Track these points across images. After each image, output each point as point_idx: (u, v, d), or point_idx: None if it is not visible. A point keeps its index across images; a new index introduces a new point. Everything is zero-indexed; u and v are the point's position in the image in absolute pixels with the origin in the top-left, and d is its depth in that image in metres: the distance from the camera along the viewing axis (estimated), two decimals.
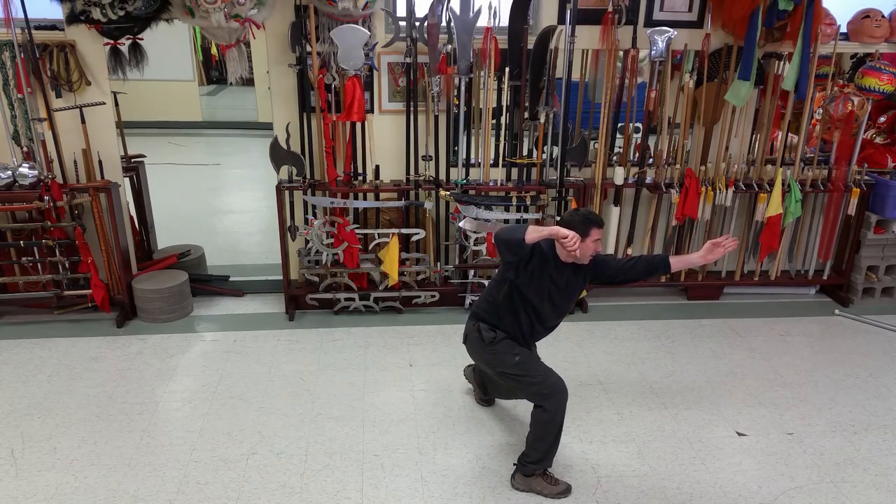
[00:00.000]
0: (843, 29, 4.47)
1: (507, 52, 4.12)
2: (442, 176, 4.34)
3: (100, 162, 4.23)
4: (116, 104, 4.40)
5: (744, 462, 3.18)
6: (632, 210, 4.59)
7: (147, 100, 9.41)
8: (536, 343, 3.16)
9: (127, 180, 4.59)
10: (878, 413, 3.58)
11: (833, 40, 4.31)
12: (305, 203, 4.29)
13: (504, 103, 4.32)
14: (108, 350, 4.02)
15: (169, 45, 8.89)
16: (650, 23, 4.25)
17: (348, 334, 4.25)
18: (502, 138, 4.35)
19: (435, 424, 3.39)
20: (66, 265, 4.18)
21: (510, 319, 2.96)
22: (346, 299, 4.47)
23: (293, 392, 3.64)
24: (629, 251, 4.68)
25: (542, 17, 4.22)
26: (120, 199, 4.29)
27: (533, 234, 2.65)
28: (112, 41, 4.04)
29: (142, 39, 4.08)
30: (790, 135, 4.65)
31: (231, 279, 4.88)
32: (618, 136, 4.54)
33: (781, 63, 4.39)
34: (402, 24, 4.01)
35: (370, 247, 4.36)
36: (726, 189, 4.46)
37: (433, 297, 4.55)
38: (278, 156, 4.15)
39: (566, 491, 2.94)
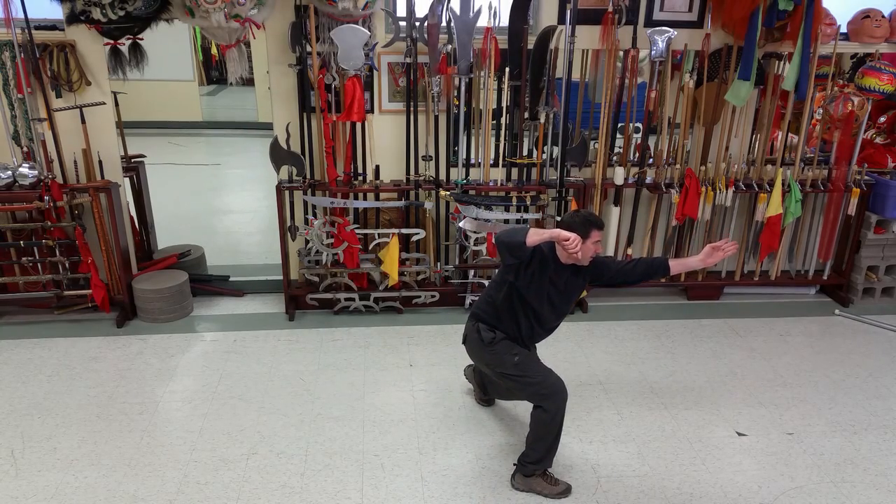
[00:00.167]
0: (843, 29, 4.47)
1: (507, 52, 4.12)
2: (442, 176, 4.34)
3: (100, 162, 4.23)
4: (116, 104, 4.40)
5: (744, 462, 3.18)
6: (632, 210, 4.59)
7: (147, 100, 9.41)
8: (536, 344, 3.16)
9: (127, 180, 4.59)
10: (878, 413, 3.58)
11: (833, 40, 4.31)
12: (305, 203, 4.29)
13: (504, 104, 4.32)
14: (108, 350, 4.02)
15: (169, 45, 8.88)
16: (650, 23, 4.25)
17: (348, 334, 4.25)
18: (502, 138, 4.35)
19: (435, 424, 3.39)
20: (66, 265, 4.18)
21: (509, 321, 2.96)
22: (347, 299, 4.47)
23: (293, 392, 3.64)
24: (629, 251, 4.68)
25: (542, 17, 4.22)
26: (120, 199, 4.29)
27: (534, 236, 2.65)
28: (112, 41, 4.04)
29: (142, 39, 4.08)
30: (790, 135, 4.65)
31: (231, 279, 4.88)
32: (618, 136, 4.54)
33: (781, 63, 4.39)
34: (402, 24, 4.01)
35: (370, 247, 4.36)
36: (726, 189, 4.46)
37: (433, 297, 4.55)
38: (278, 156, 4.15)
39: (566, 491, 2.94)
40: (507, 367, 2.93)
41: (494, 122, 4.28)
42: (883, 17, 4.37)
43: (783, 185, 4.46)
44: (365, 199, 4.30)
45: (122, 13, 3.80)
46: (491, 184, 4.36)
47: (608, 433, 3.36)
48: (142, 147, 5.26)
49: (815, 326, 4.53)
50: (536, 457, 2.90)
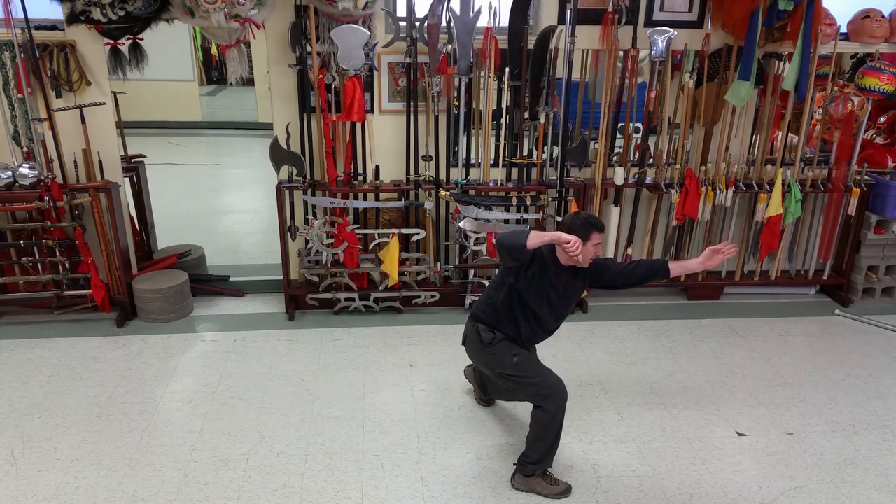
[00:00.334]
0: (843, 29, 4.47)
1: (507, 52, 4.12)
2: (442, 176, 4.34)
3: (100, 162, 4.23)
4: (116, 104, 4.40)
5: (744, 462, 3.18)
6: (632, 210, 4.59)
7: (147, 100, 9.41)
8: (536, 345, 3.17)
9: (127, 180, 4.59)
10: (878, 413, 3.58)
11: (833, 40, 4.31)
12: (305, 203, 4.30)
13: (504, 104, 4.32)
14: (108, 350, 4.02)
15: (169, 45, 8.90)
16: (650, 23, 4.25)
17: (348, 334, 4.25)
18: (502, 138, 4.35)
19: (435, 424, 3.39)
20: (66, 265, 4.18)
21: (509, 322, 2.96)
22: (347, 299, 4.47)
23: (293, 392, 3.64)
24: (629, 251, 4.68)
25: (542, 17, 4.22)
26: (120, 199, 4.29)
27: (535, 239, 2.64)
28: (112, 41, 4.04)
29: (142, 39, 4.08)
30: (790, 135, 4.65)
31: (231, 279, 4.88)
32: (618, 136, 4.54)
33: (781, 63, 4.39)
34: (402, 24, 4.01)
35: (370, 247, 4.36)
36: (726, 189, 4.46)
37: (433, 297, 4.55)
38: (278, 156, 4.15)
39: (566, 491, 2.94)
40: (506, 367, 2.93)
41: (494, 122, 4.28)
42: (883, 17, 4.37)
43: (783, 185, 4.46)
44: (365, 199, 4.30)
45: (122, 13, 3.80)
46: (491, 184, 4.36)
47: (608, 433, 3.36)
48: (142, 147, 5.26)
49: (815, 326, 4.53)
50: (536, 457, 2.90)
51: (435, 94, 4.12)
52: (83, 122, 4.05)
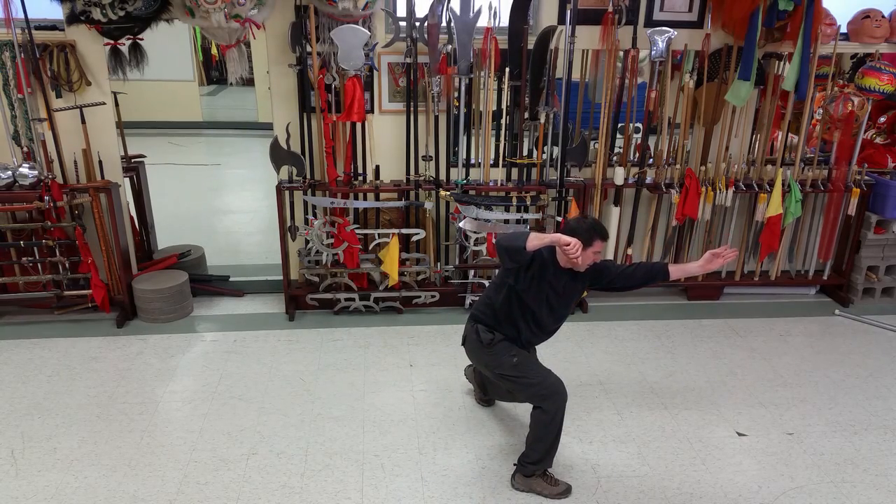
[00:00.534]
0: (843, 29, 4.47)
1: (507, 52, 4.12)
2: (442, 176, 4.34)
3: (100, 162, 4.23)
4: (116, 104, 4.40)
5: (744, 462, 3.18)
6: (632, 210, 4.59)
7: (147, 100, 9.41)
8: (536, 346, 3.17)
9: (127, 180, 4.59)
10: (878, 413, 3.58)
11: (833, 40, 4.31)
12: (305, 203, 4.30)
13: (504, 104, 4.32)
14: (108, 350, 4.02)
15: (169, 45, 8.90)
16: (650, 23, 4.25)
17: (348, 334, 4.25)
18: (502, 138, 4.35)
19: (435, 424, 3.39)
20: (66, 265, 4.18)
21: (508, 323, 2.96)
22: (347, 299, 4.47)
23: (293, 392, 3.64)
24: (629, 251, 4.68)
25: (542, 17, 4.22)
26: (120, 200, 4.29)
27: (534, 241, 2.64)
28: (112, 41, 4.04)
29: (142, 39, 4.08)
30: (790, 135, 4.65)
31: (231, 279, 4.88)
32: (618, 136, 4.54)
33: (781, 63, 4.39)
34: (403, 24, 4.01)
35: (370, 247, 4.36)
36: (726, 189, 4.46)
37: (433, 297, 4.55)
38: (278, 156, 4.15)
39: (566, 491, 2.94)
40: (505, 368, 2.93)
41: (494, 122, 4.28)
42: (883, 17, 4.37)
43: (783, 185, 4.46)
44: (365, 199, 4.30)
45: (122, 13, 3.80)
46: (491, 184, 4.36)
47: (608, 433, 3.36)
48: (142, 147, 5.27)
49: (815, 326, 4.53)
50: (536, 457, 2.90)
51: (435, 95, 4.12)
52: (83, 122, 4.05)
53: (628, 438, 3.32)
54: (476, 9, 3.96)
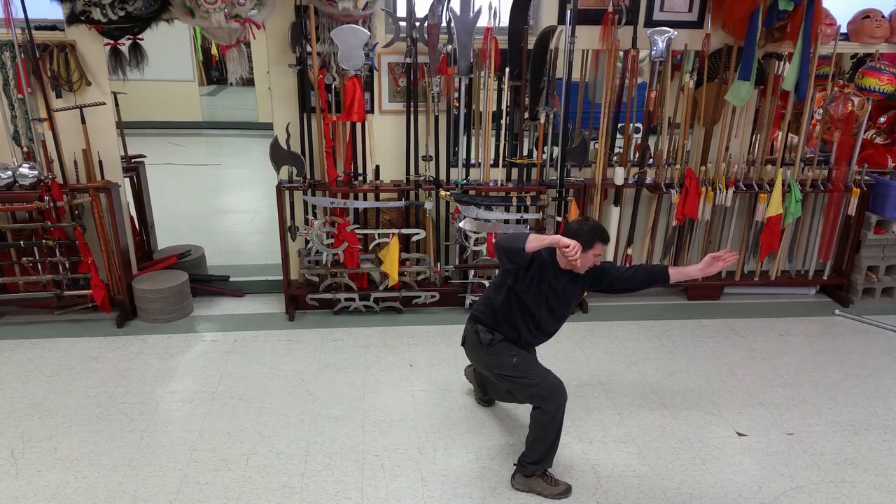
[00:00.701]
0: (843, 29, 4.47)
1: (507, 52, 4.12)
2: (442, 176, 4.34)
3: (100, 162, 4.23)
4: (116, 104, 4.40)
5: (744, 462, 3.18)
6: (632, 210, 4.59)
7: (147, 100, 9.41)
8: (536, 346, 3.17)
9: (127, 180, 4.59)
10: (878, 413, 3.58)
11: (833, 40, 4.31)
12: (305, 203, 4.30)
13: (504, 105, 4.32)
14: (109, 350, 4.02)
15: (169, 45, 8.89)
16: (650, 23, 4.25)
17: (348, 334, 4.25)
18: (502, 138, 4.35)
19: (435, 424, 3.39)
20: (66, 265, 4.18)
21: (508, 324, 2.96)
22: (347, 299, 4.47)
23: (293, 392, 3.64)
24: (629, 251, 4.68)
25: (542, 17, 4.22)
26: (120, 200, 4.29)
27: (534, 242, 2.64)
28: (112, 41, 4.04)
29: (142, 39, 4.08)
30: (790, 135, 4.65)
31: (231, 279, 4.88)
32: (618, 136, 4.54)
33: (781, 63, 4.39)
34: (403, 24, 4.01)
35: (370, 247, 4.36)
36: (726, 189, 4.46)
37: (433, 297, 4.55)
38: (278, 156, 4.15)
39: (566, 491, 2.94)
40: (505, 368, 2.93)
41: (494, 122, 4.28)
42: (883, 17, 4.37)
43: (783, 185, 4.46)
44: (365, 199, 4.30)
45: (122, 13, 3.81)
46: (491, 184, 4.36)
47: (608, 433, 3.36)
48: (142, 147, 5.27)
49: (815, 326, 4.53)
50: (536, 457, 2.90)
51: (435, 95, 4.12)
52: (83, 122, 4.05)
53: (628, 438, 3.32)
54: (476, 9, 3.96)
